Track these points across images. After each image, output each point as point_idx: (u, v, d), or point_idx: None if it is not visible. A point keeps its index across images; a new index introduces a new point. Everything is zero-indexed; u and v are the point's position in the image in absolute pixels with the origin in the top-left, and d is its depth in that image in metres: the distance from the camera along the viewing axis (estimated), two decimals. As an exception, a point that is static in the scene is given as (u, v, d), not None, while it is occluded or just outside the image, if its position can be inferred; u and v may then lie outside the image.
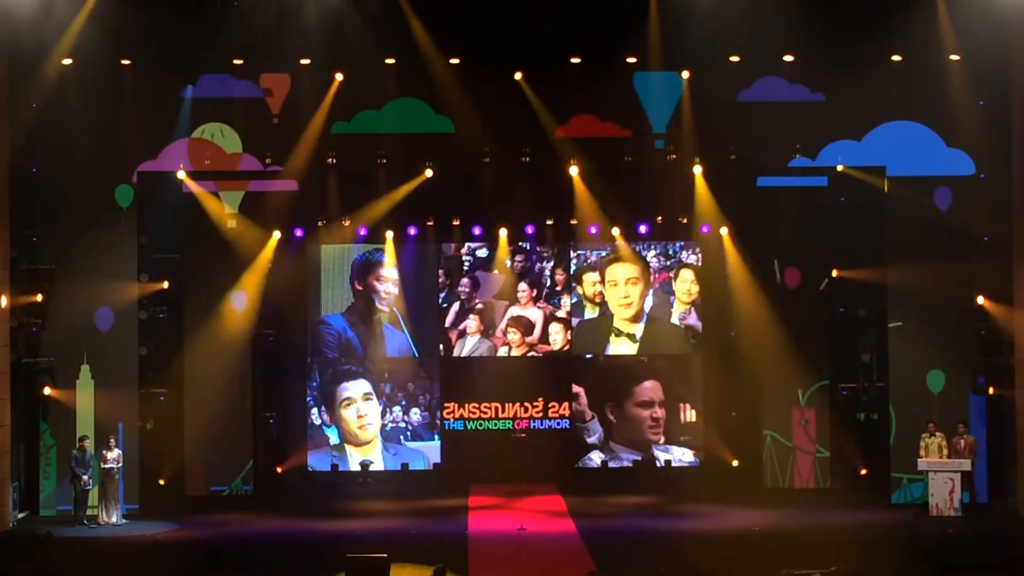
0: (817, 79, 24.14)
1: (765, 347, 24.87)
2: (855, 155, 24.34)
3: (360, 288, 25.57)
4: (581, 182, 24.71)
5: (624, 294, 25.65)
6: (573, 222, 25.34)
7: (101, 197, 23.78)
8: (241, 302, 24.74)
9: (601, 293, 25.66)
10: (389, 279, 25.58)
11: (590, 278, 25.68)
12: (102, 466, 22.58)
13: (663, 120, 24.68)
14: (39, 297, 23.37)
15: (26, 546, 20.73)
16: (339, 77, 23.95)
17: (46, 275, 23.58)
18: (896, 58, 23.51)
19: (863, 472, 24.34)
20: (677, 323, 25.67)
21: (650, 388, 25.66)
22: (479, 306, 25.68)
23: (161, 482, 23.94)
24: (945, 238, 23.80)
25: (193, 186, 24.35)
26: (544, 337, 25.68)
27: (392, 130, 24.58)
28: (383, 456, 25.46)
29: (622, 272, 25.68)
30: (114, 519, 22.52)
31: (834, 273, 24.53)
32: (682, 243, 25.61)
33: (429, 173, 24.55)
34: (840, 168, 24.27)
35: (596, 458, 25.61)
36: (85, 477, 22.54)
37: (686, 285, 25.59)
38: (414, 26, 23.22)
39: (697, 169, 24.54)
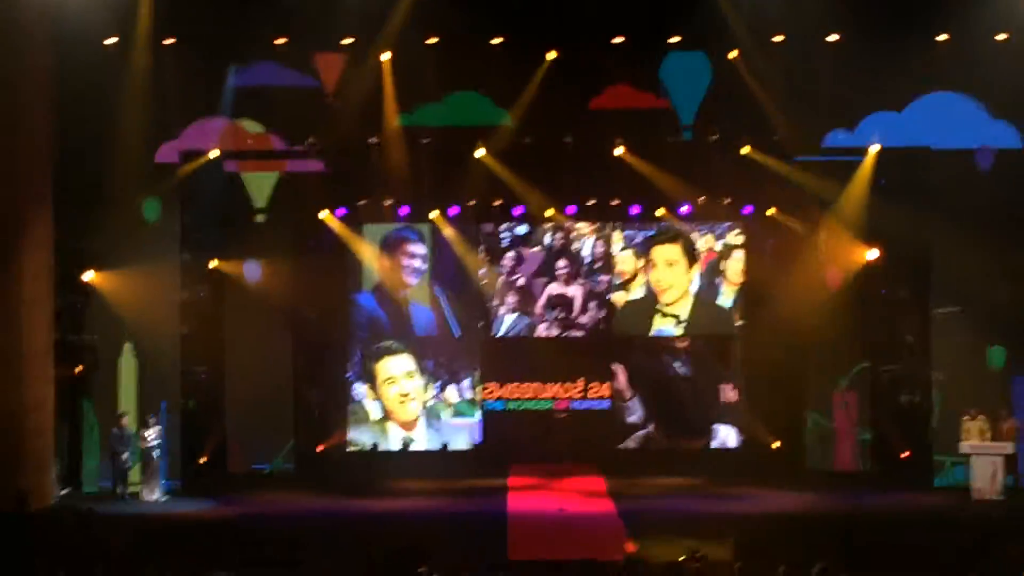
0: (859, 50, 23.36)
1: (808, 328, 24.73)
2: (895, 127, 23.92)
3: (388, 265, 25.58)
4: (624, 161, 24.54)
5: (667, 276, 25.51)
6: (615, 202, 25.26)
7: (144, 176, 23.84)
8: (254, 272, 24.81)
9: (644, 271, 25.54)
10: (418, 255, 25.58)
11: (631, 257, 25.57)
12: (141, 444, 22.73)
13: (691, 105, 24.39)
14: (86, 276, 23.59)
15: (68, 521, 20.88)
16: (385, 57, 23.83)
17: (90, 254, 23.74)
18: (942, 37, 23.13)
19: (905, 455, 24.15)
20: (722, 303, 25.53)
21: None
22: (519, 283, 25.64)
23: (202, 460, 24.11)
24: (990, 213, 23.36)
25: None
26: (583, 315, 25.62)
27: (453, 122, 24.47)
28: (426, 433, 25.49)
29: (665, 254, 25.53)
30: (155, 496, 22.66)
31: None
32: (728, 224, 25.45)
33: (482, 152, 24.47)
34: (876, 148, 23.91)
35: (638, 439, 25.55)
36: (125, 455, 22.69)
37: (739, 266, 25.41)
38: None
39: (744, 149, 24.34)
